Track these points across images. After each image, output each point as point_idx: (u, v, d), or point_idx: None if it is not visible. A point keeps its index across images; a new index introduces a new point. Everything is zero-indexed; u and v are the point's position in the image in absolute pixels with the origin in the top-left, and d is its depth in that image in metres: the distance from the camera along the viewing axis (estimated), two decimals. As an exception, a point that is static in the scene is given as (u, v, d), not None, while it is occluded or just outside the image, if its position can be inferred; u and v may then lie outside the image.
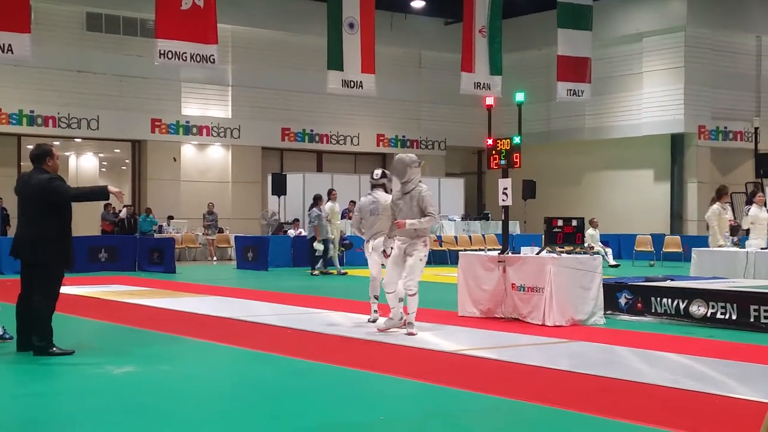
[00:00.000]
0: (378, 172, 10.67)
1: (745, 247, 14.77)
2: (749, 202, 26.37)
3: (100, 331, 10.49)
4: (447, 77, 30.04)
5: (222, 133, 29.80)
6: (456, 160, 35.09)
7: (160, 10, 18.94)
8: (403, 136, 33.29)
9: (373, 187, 10.50)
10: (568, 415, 5.83)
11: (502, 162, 11.49)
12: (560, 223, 10.87)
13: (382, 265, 10.03)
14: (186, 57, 19.15)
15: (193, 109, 29.36)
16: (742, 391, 6.49)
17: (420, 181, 9.47)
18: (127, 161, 31.49)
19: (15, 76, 25.70)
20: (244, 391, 6.91)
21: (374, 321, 10.36)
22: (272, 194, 26.30)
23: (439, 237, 24.95)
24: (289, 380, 7.18)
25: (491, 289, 10.85)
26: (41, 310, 8.04)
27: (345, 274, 19.53)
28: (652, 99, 30.03)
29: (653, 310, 10.77)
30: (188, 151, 29.70)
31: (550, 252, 10.70)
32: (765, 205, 15.33)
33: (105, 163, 35.30)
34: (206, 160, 30.09)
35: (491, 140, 11.76)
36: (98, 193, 8.84)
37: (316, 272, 19.60)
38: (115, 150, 32.54)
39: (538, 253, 10.79)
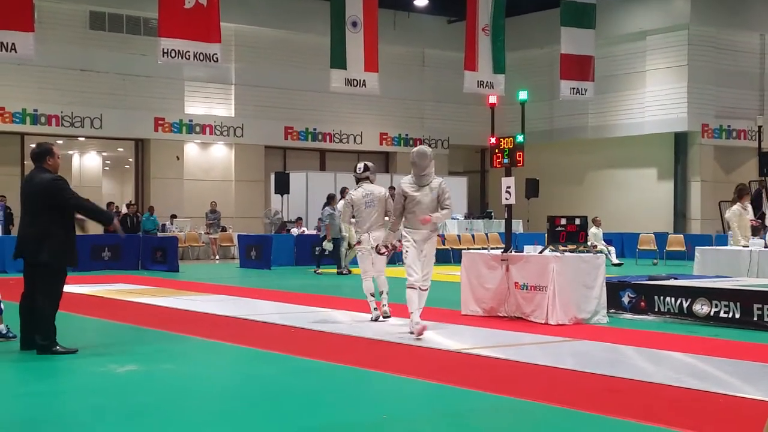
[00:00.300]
0: (361, 165, 10.87)
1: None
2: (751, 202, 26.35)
3: (103, 330, 10.49)
4: (450, 76, 30.04)
5: (225, 132, 29.80)
6: (459, 159, 35.08)
7: (163, 8, 18.94)
8: (406, 135, 33.28)
9: (359, 180, 10.75)
10: (571, 414, 5.83)
11: (505, 160, 11.49)
12: (563, 221, 10.86)
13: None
14: (189, 56, 19.15)
15: (196, 107, 29.37)
16: (746, 390, 6.48)
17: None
18: (130, 160, 31.54)
19: (18, 74, 25.73)
20: (247, 389, 6.91)
21: (376, 320, 10.43)
22: (275, 193, 26.31)
23: (443, 235, 24.93)
24: (293, 379, 7.17)
25: (494, 288, 10.84)
26: (44, 309, 8.05)
27: (349, 272, 19.48)
28: (655, 97, 29.99)
29: (656, 309, 10.76)
30: (191, 149, 29.71)
31: (553, 251, 10.69)
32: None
33: (108, 161, 35.37)
34: (209, 159, 30.10)
35: (494, 139, 11.76)
36: (101, 217, 8.61)
37: (345, 271, 19.43)
38: (119, 149, 32.59)
39: (541, 252, 10.78)
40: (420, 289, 9.08)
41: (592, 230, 21.15)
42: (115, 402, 6.25)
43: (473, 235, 26.28)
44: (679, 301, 10.55)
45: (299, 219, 25.17)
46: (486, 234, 26.34)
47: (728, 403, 6.10)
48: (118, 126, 28.06)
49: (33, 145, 8.72)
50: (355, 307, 12.03)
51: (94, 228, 8.69)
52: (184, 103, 29.09)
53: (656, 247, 23.82)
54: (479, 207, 33.48)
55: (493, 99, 12.57)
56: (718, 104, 29.80)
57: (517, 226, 26.25)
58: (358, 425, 5.63)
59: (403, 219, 9.25)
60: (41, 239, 8.07)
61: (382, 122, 32.68)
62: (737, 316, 10.00)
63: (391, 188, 20.17)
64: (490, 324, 10.19)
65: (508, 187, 11.34)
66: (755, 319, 9.85)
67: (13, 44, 17.32)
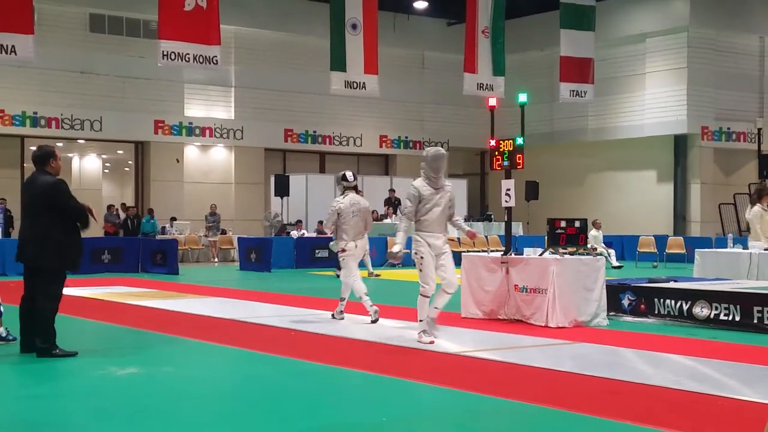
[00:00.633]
0: (351, 174, 11.07)
1: None
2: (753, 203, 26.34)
3: (103, 333, 10.49)
4: (450, 78, 30.05)
5: (225, 135, 29.81)
6: (459, 161, 35.09)
7: (163, 11, 18.96)
8: (406, 137, 33.30)
9: (346, 189, 10.92)
10: (571, 417, 5.83)
11: (505, 163, 11.50)
12: (563, 224, 10.87)
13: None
14: (189, 58, 19.17)
15: (196, 110, 29.38)
16: (745, 393, 6.48)
17: None
18: (130, 162, 31.55)
19: (18, 77, 25.74)
20: (246, 392, 6.91)
21: (376, 321, 10.51)
22: (275, 195, 26.31)
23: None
24: (292, 381, 7.18)
25: (494, 291, 10.84)
26: (44, 312, 8.05)
27: (379, 276, 19.27)
28: (655, 100, 30.01)
29: (656, 312, 10.76)
30: (191, 152, 29.72)
31: (553, 253, 10.69)
32: None
33: (108, 164, 35.40)
34: (209, 162, 30.11)
35: (494, 141, 11.76)
36: (83, 218, 8.33)
37: (375, 274, 18.93)
38: (119, 151, 32.60)
39: (541, 255, 10.78)
40: (446, 292, 8.91)
41: (592, 233, 21.16)
42: (115, 404, 6.26)
43: (486, 236, 26.25)
44: (679, 304, 10.55)
45: (299, 221, 25.18)
46: (486, 236, 26.34)
47: (728, 406, 6.10)
48: (118, 128, 28.07)
49: (33, 148, 8.74)
50: (355, 310, 12.03)
51: (94, 231, 8.68)
52: (184, 105, 29.10)
53: (656, 250, 23.82)
54: (479, 209, 33.49)
55: (492, 101, 12.59)
56: (718, 106, 29.82)
57: (517, 229, 26.27)
58: (358, 427, 5.63)
59: (415, 223, 8.87)
60: (42, 242, 8.07)
61: (381, 125, 32.70)
62: (737, 318, 10.00)
63: (391, 191, 20.24)
64: (490, 326, 10.19)
65: (508, 190, 11.35)
66: (755, 321, 9.85)
67: (12, 47, 17.33)
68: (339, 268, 19.22)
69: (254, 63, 30.00)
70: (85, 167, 34.77)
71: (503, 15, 23.41)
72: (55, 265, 8.11)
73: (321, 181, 28.66)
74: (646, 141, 30.42)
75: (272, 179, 27.18)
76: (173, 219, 27.28)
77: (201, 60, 19.30)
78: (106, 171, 35.78)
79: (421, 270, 8.86)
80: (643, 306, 10.91)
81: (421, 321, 8.95)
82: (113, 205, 27.25)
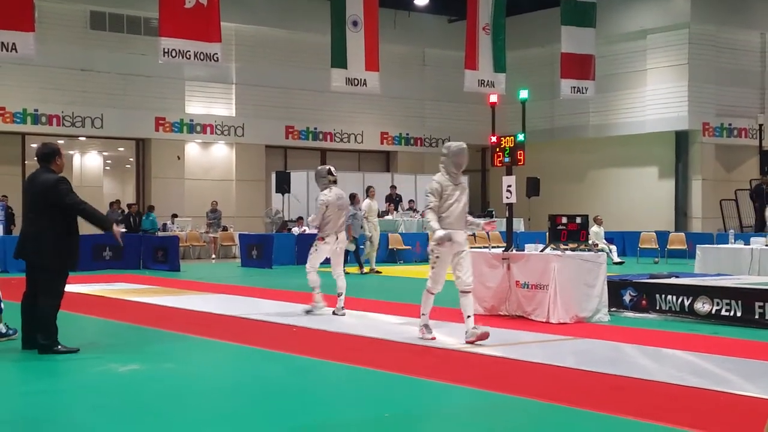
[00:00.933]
0: (332, 169, 11.31)
1: None
2: (754, 199, 26.38)
3: (104, 329, 10.50)
4: (451, 75, 30.03)
5: (226, 132, 29.81)
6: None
7: (163, 8, 18.95)
8: (407, 134, 33.29)
9: (330, 183, 11.10)
10: (572, 412, 5.83)
11: (506, 159, 11.50)
12: (564, 220, 10.87)
13: None
14: (190, 55, 19.16)
15: (196, 107, 29.38)
16: (747, 388, 6.48)
17: None
18: (131, 160, 31.53)
19: (19, 74, 25.74)
20: (248, 388, 6.92)
21: (308, 312, 11.01)
22: (276, 192, 26.31)
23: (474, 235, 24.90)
24: (294, 378, 7.18)
25: (495, 287, 10.84)
26: (46, 308, 8.05)
27: (379, 272, 19.29)
28: (656, 96, 29.98)
29: (658, 307, 10.76)
30: (192, 149, 29.72)
31: (554, 249, 10.69)
32: None
33: (109, 161, 35.37)
34: (210, 159, 30.11)
35: (495, 138, 11.76)
36: (100, 222, 8.43)
37: (366, 270, 19.23)
38: (120, 148, 32.58)
39: (542, 251, 10.78)
40: (464, 292, 8.71)
41: (594, 229, 21.14)
42: (116, 401, 6.26)
43: (474, 234, 26.25)
44: (680, 300, 10.55)
45: (300, 218, 25.17)
46: (487, 233, 26.30)
47: (729, 401, 6.10)
48: (119, 126, 28.07)
49: (34, 145, 8.75)
50: (356, 306, 12.04)
51: (94, 228, 8.66)
52: (185, 102, 29.10)
53: (657, 246, 23.81)
54: (480, 206, 33.47)
55: (493, 98, 12.59)
56: (719, 103, 29.78)
57: (518, 225, 26.24)
58: (361, 423, 5.63)
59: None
60: (42, 239, 8.07)
61: (382, 121, 32.68)
62: (738, 314, 10.00)
63: (392, 187, 20.24)
64: (491, 322, 10.18)
65: (509, 186, 11.36)
66: (756, 317, 9.86)
67: (13, 44, 17.32)
68: (361, 266, 19.29)
69: (255, 60, 29.99)
70: (86, 164, 34.75)
71: (504, 12, 23.38)
72: (55, 263, 8.12)
73: (322, 178, 28.60)
74: (647, 137, 30.39)
75: (273, 176, 27.17)
76: (174, 216, 27.28)
77: (202, 57, 19.29)
78: (107, 168, 35.75)
79: (433, 268, 8.67)
80: (644, 302, 10.91)
81: (423, 315, 8.86)
82: (115, 202, 27.24)
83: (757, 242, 15.21)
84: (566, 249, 10.77)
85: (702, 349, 8.30)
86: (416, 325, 9.17)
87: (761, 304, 9.83)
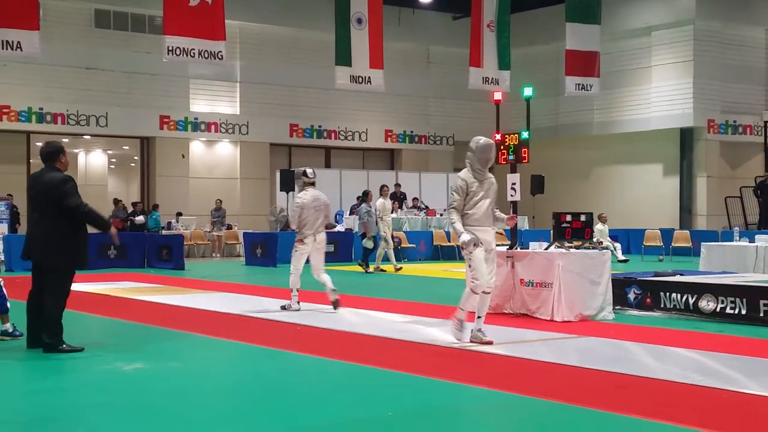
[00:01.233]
0: (311, 171, 11.52)
1: None
2: (758, 196, 26.30)
3: (109, 328, 10.52)
4: (455, 72, 30.02)
5: (230, 130, 29.83)
6: (464, 156, 34.78)
7: (168, 6, 18.97)
8: (412, 132, 33.29)
9: (306, 185, 11.34)
10: (577, 411, 5.83)
11: (511, 157, 11.52)
12: (569, 218, 10.86)
13: None
14: (194, 53, 19.18)
15: (201, 105, 29.40)
16: (751, 386, 6.46)
17: None
18: (135, 158, 31.60)
19: (24, 73, 25.80)
20: (253, 387, 6.92)
21: (284, 308, 11.21)
22: (280, 190, 26.29)
23: (448, 233, 24.92)
24: (298, 376, 7.19)
25: (500, 285, 10.80)
26: (52, 307, 8.06)
27: (400, 269, 19.18)
28: (660, 93, 29.94)
29: (662, 305, 10.75)
30: (197, 147, 29.75)
31: (558, 247, 10.68)
32: None
33: (114, 159, 35.46)
34: (215, 157, 30.14)
35: (500, 135, 11.78)
36: (100, 224, 8.39)
37: (371, 269, 19.14)
38: (124, 147, 32.65)
39: (546, 249, 10.77)
40: (484, 292, 8.47)
41: (598, 227, 21.12)
42: (121, 399, 6.27)
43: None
44: (685, 298, 10.54)
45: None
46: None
47: (734, 400, 6.09)
48: (124, 124, 28.11)
49: (39, 144, 8.76)
50: (361, 305, 12.05)
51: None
52: (190, 100, 29.13)
53: (662, 243, 23.78)
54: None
55: (498, 95, 12.61)
56: (724, 99, 29.75)
57: (523, 223, 26.21)
58: (365, 422, 5.64)
59: (462, 218, 8.41)
60: (49, 239, 8.08)
61: (387, 119, 32.68)
62: (743, 312, 9.98)
63: (397, 185, 20.20)
64: (495, 321, 10.18)
65: (514, 184, 11.37)
66: (761, 315, 9.84)
67: (18, 43, 17.35)
68: (367, 265, 19.23)
69: (259, 58, 30.01)
70: (91, 163, 34.83)
71: (508, 9, 23.37)
72: (62, 262, 8.13)
73: (326, 175, 28.60)
74: (652, 134, 30.36)
75: (278, 174, 27.19)
76: (179, 214, 27.32)
77: (206, 55, 19.31)
78: (112, 166, 35.84)
79: (470, 266, 8.38)
80: (649, 300, 10.89)
81: (479, 318, 8.49)
82: (121, 201, 27.31)
83: (762, 240, 15.18)
84: (571, 247, 10.76)
85: (707, 348, 8.28)
86: (419, 324, 9.17)
87: (766, 302, 9.81)
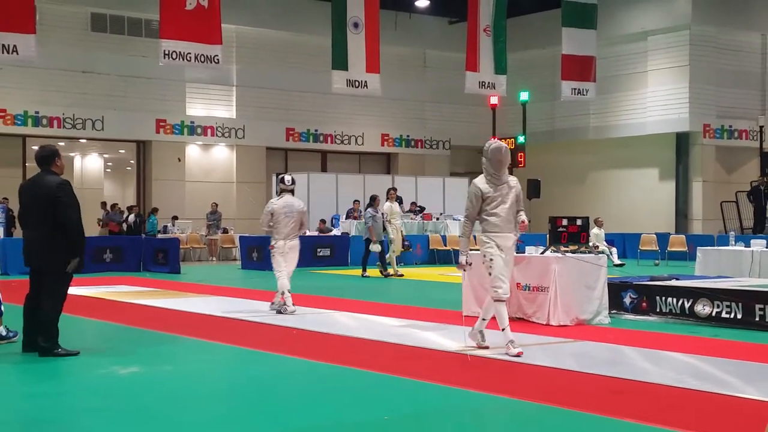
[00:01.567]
0: (289, 178, 11.91)
1: None
2: (752, 200, 26.34)
3: (105, 332, 10.50)
4: (451, 76, 30.06)
5: (226, 134, 29.83)
6: (460, 160, 35.08)
7: (164, 10, 18.97)
8: (408, 136, 33.30)
9: (283, 191, 11.69)
10: (573, 415, 5.83)
11: (507, 161, 11.47)
12: (565, 222, 10.86)
13: None
14: (190, 57, 19.18)
15: (197, 109, 29.40)
16: (747, 391, 6.47)
17: None
18: (132, 162, 31.56)
19: (20, 76, 25.77)
20: (248, 390, 6.91)
21: (279, 312, 11.39)
22: (277, 195, 26.29)
23: (444, 237, 24.93)
24: (293, 380, 7.18)
25: (495, 289, 10.80)
26: (49, 311, 8.05)
27: (402, 275, 19.00)
28: (656, 98, 30.00)
29: (658, 310, 10.76)
30: (193, 151, 29.75)
31: (554, 251, 10.69)
32: None
33: (110, 163, 35.42)
34: (211, 161, 30.13)
35: (496, 139, 11.75)
36: (77, 249, 8.12)
37: (390, 272, 18.96)
38: (120, 150, 32.62)
39: (542, 253, 10.77)
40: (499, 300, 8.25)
41: (594, 231, 21.12)
42: (116, 403, 6.26)
43: (474, 237, 26.23)
44: (680, 302, 10.54)
45: (301, 220, 25.14)
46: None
47: (729, 404, 6.10)
48: (120, 128, 28.10)
49: (35, 148, 8.74)
50: (357, 309, 12.04)
51: (94, 230, 8.67)
52: (186, 104, 29.13)
53: (658, 248, 23.80)
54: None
55: (494, 99, 12.63)
56: (720, 104, 29.81)
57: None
58: (359, 425, 5.63)
59: (481, 223, 8.25)
60: (47, 244, 8.06)
61: (383, 123, 32.70)
62: (739, 316, 9.99)
63: (393, 189, 20.08)
64: (491, 325, 10.16)
65: (510, 188, 11.31)
66: (757, 319, 9.85)
67: (14, 46, 17.35)
68: (364, 269, 19.15)
69: (256, 62, 30.02)
70: (87, 167, 34.79)
71: (505, 13, 23.41)
72: (62, 265, 8.11)
73: (323, 180, 28.66)
74: (647, 139, 30.41)
75: (274, 178, 27.18)
76: (175, 218, 27.30)
77: (202, 59, 19.31)
78: (108, 170, 35.79)
79: (490, 273, 8.20)
80: (644, 304, 10.90)
81: (503, 330, 8.20)
82: (116, 204, 27.28)
83: (758, 244, 15.20)
84: (567, 251, 10.76)
85: (702, 352, 8.29)
86: (416, 328, 9.17)
87: (762, 306, 9.82)
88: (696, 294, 10.46)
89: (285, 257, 11.65)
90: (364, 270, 18.96)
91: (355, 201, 25.63)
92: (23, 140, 27.20)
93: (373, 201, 19.11)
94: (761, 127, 29.86)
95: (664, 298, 10.72)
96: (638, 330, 9.97)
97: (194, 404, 6.35)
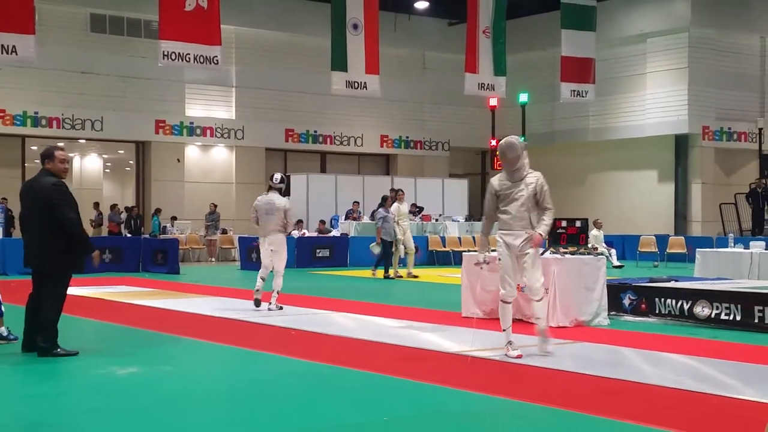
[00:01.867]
0: (278, 176, 12.23)
1: None
2: (750, 202, 26.34)
3: (104, 332, 10.50)
4: (451, 78, 30.04)
5: (226, 134, 29.83)
6: (460, 161, 35.11)
7: (163, 11, 18.97)
8: (407, 137, 33.30)
9: (270, 188, 12.01)
10: (572, 416, 5.83)
11: (506, 163, 11.47)
12: (564, 224, 10.87)
13: None
14: (190, 58, 19.17)
15: (196, 110, 29.39)
16: (746, 392, 6.47)
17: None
18: (131, 162, 31.56)
19: (19, 77, 25.76)
20: (247, 391, 6.91)
21: (257, 305, 11.78)
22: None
23: (443, 238, 24.93)
24: (292, 381, 7.18)
25: (495, 290, 10.79)
26: (49, 311, 8.05)
27: (401, 277, 18.92)
28: (655, 100, 30.01)
29: (657, 311, 10.76)
30: (192, 152, 29.74)
31: (554, 253, 10.69)
32: None
33: (109, 164, 35.41)
34: (210, 161, 30.12)
35: (495, 141, 11.78)
36: (84, 246, 8.25)
37: (390, 274, 18.90)
38: (119, 151, 32.61)
39: (542, 254, 10.75)
40: (533, 300, 8.29)
41: (593, 232, 21.15)
42: (116, 403, 6.26)
43: (474, 238, 26.26)
44: (680, 303, 10.55)
45: (300, 221, 25.16)
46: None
47: (729, 405, 6.10)
48: (119, 128, 28.09)
49: (34, 148, 8.75)
50: (355, 309, 12.04)
51: (88, 231, 8.65)
52: (185, 105, 29.12)
53: (657, 249, 23.81)
54: (480, 209, 33.48)
55: (493, 101, 12.64)
56: (719, 106, 29.82)
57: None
58: (358, 427, 5.63)
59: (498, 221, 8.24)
60: (46, 245, 8.05)
61: (382, 124, 32.70)
62: (738, 318, 10.00)
63: (395, 190, 20.10)
64: (490, 326, 10.18)
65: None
66: (756, 321, 9.85)
67: (13, 47, 17.33)
68: (375, 267, 19.08)
69: (255, 63, 30.01)
70: (86, 167, 34.78)
71: (504, 15, 23.41)
72: (61, 267, 8.11)
73: (322, 180, 28.66)
74: (647, 141, 30.42)
75: (273, 179, 27.15)
76: (174, 218, 27.29)
77: (202, 60, 19.30)
78: (107, 171, 35.78)
79: (499, 273, 8.18)
80: (644, 305, 10.91)
81: (504, 330, 8.17)
82: (116, 204, 27.26)
83: (757, 246, 15.21)
84: (566, 252, 10.76)
85: (701, 353, 8.29)
86: (416, 330, 9.17)
87: (761, 308, 9.83)
88: (695, 295, 10.47)
89: (271, 255, 11.99)
90: (386, 271, 18.81)
91: (355, 202, 25.63)
92: (22, 140, 27.18)
93: (385, 202, 19.07)
94: (760, 129, 29.87)
95: (663, 299, 10.73)
96: (637, 331, 9.98)
97: (193, 405, 6.35)
